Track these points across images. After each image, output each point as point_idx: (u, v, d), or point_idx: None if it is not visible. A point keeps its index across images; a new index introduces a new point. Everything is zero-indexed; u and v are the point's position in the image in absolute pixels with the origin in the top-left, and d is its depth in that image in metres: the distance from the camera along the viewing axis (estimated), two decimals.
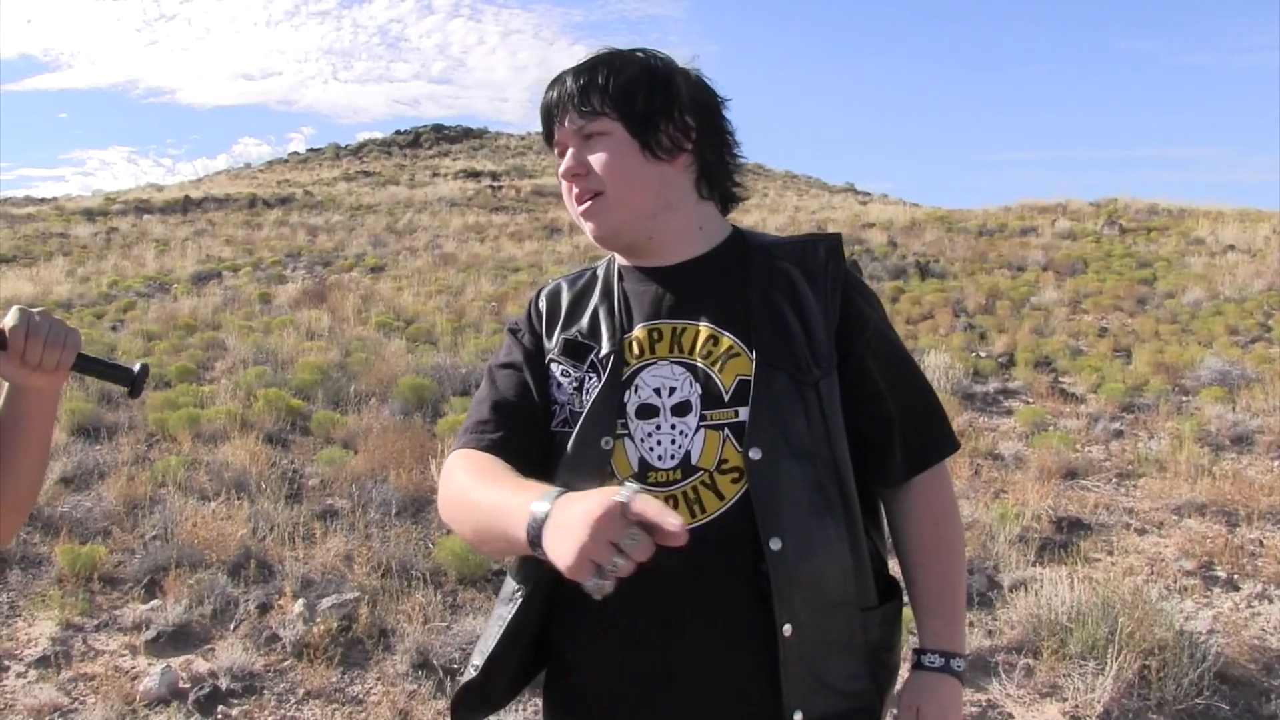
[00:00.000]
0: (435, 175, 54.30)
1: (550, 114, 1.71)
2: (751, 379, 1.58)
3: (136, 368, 1.64)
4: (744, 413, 1.57)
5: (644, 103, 1.64)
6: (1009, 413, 9.63)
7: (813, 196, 43.90)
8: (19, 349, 1.49)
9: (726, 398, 1.58)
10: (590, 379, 1.67)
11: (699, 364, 1.61)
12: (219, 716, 4.40)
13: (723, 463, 1.56)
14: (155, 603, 5.35)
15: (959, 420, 8.82)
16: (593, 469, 1.59)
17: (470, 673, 1.68)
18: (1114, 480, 7.59)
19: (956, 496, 1.83)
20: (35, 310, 1.52)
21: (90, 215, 39.59)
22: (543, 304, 1.82)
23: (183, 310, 16.22)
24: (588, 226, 1.69)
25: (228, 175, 77.21)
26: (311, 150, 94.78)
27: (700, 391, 1.60)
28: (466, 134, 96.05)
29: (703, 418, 1.59)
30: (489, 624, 1.70)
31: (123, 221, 37.10)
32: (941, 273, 17.62)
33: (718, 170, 1.74)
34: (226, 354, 12.17)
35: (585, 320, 1.73)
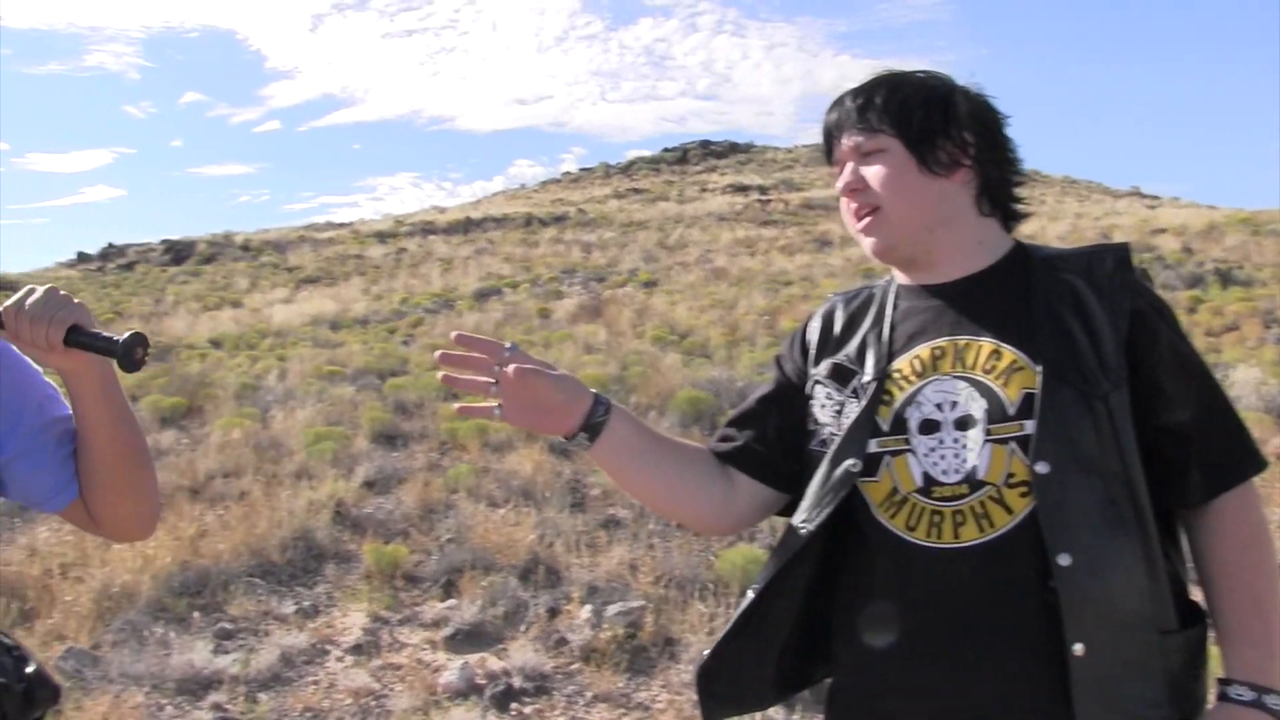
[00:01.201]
0: (703, 190, 54.99)
1: (830, 133, 1.75)
2: (1037, 392, 1.55)
3: (123, 338, 1.52)
4: (1030, 426, 1.54)
5: (921, 119, 1.66)
6: None
7: (1094, 202, 41.90)
8: (14, 327, 1.49)
9: (1012, 411, 1.56)
10: (850, 404, 1.69)
11: (982, 378, 1.60)
12: (513, 713, 4.60)
13: (1010, 477, 1.54)
14: (452, 602, 5.65)
15: (1276, 441, 8.15)
16: (838, 489, 1.64)
17: (700, 659, 1.76)
18: None
19: (1271, 520, 1.70)
20: (40, 288, 1.51)
21: (382, 237, 42.17)
22: (813, 328, 1.86)
23: (467, 325, 17.02)
24: (865, 241, 1.72)
25: (504, 196, 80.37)
26: (583, 169, 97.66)
27: (985, 406, 1.58)
28: (733, 149, 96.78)
29: (988, 432, 1.56)
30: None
31: (410, 242, 39.34)
32: (1247, 280, 16.36)
33: (998, 186, 1.73)
34: None
35: (854, 345, 1.75)
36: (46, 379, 1.66)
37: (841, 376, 1.73)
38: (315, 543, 6.54)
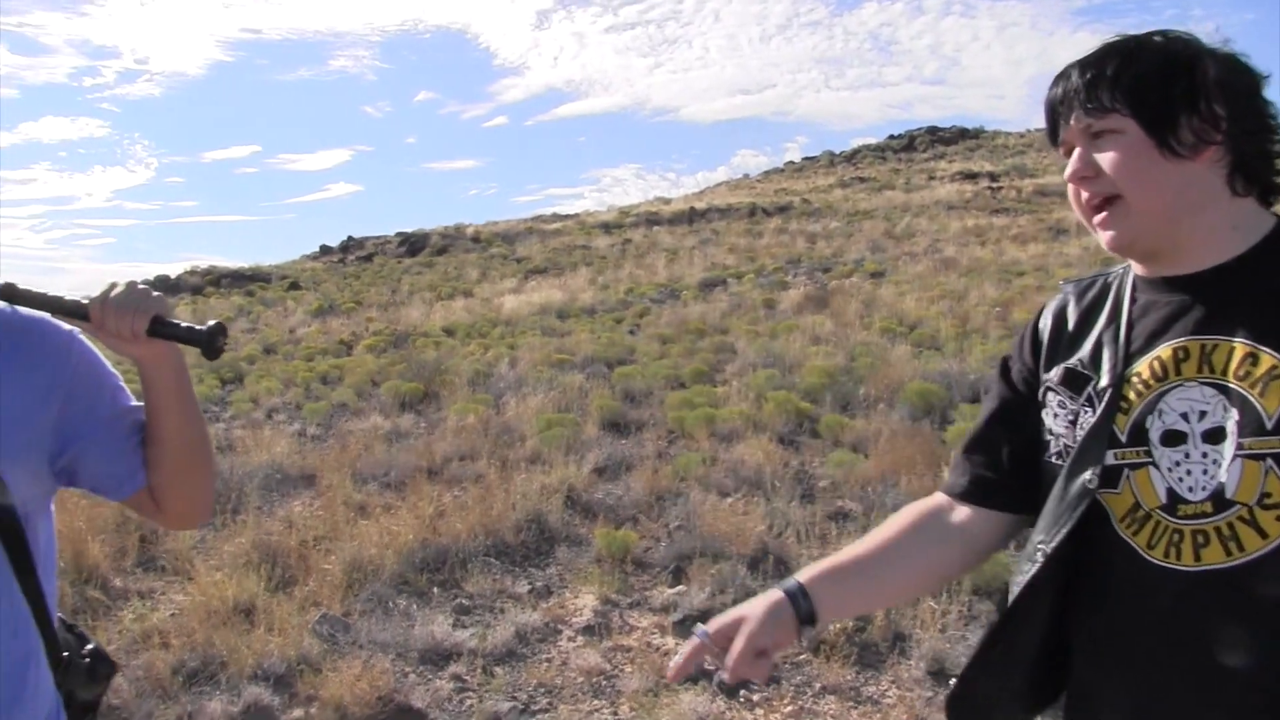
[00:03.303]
0: (931, 178, 53.77)
1: (1055, 112, 1.56)
2: None
3: (206, 327, 1.60)
4: None
5: (1161, 95, 1.45)
6: None
7: None
8: (99, 319, 1.54)
9: (1270, 424, 1.36)
10: (1085, 412, 1.54)
11: (1234, 385, 1.41)
12: (741, 700, 4.61)
13: (1265, 497, 1.36)
14: (680, 588, 5.72)
15: None
16: (1075, 505, 1.51)
17: (950, 688, 1.68)
18: None
19: None
20: (123, 281, 1.57)
21: (607, 228, 42.96)
22: (1044, 326, 1.70)
23: (692, 315, 17.14)
24: (1101, 236, 1.53)
25: (727, 186, 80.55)
26: (806, 159, 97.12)
27: (1237, 417, 1.39)
28: (962, 135, 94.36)
29: (1240, 446, 1.37)
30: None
31: (635, 233, 39.90)
32: None
33: (1256, 161, 1.50)
34: (736, 357, 12.74)
35: (1088, 347, 1.59)
36: (113, 370, 1.70)
37: (1074, 383, 1.58)
38: (547, 526, 6.72)
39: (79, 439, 1.62)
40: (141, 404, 1.69)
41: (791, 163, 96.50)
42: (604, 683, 4.82)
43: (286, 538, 6.40)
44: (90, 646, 1.75)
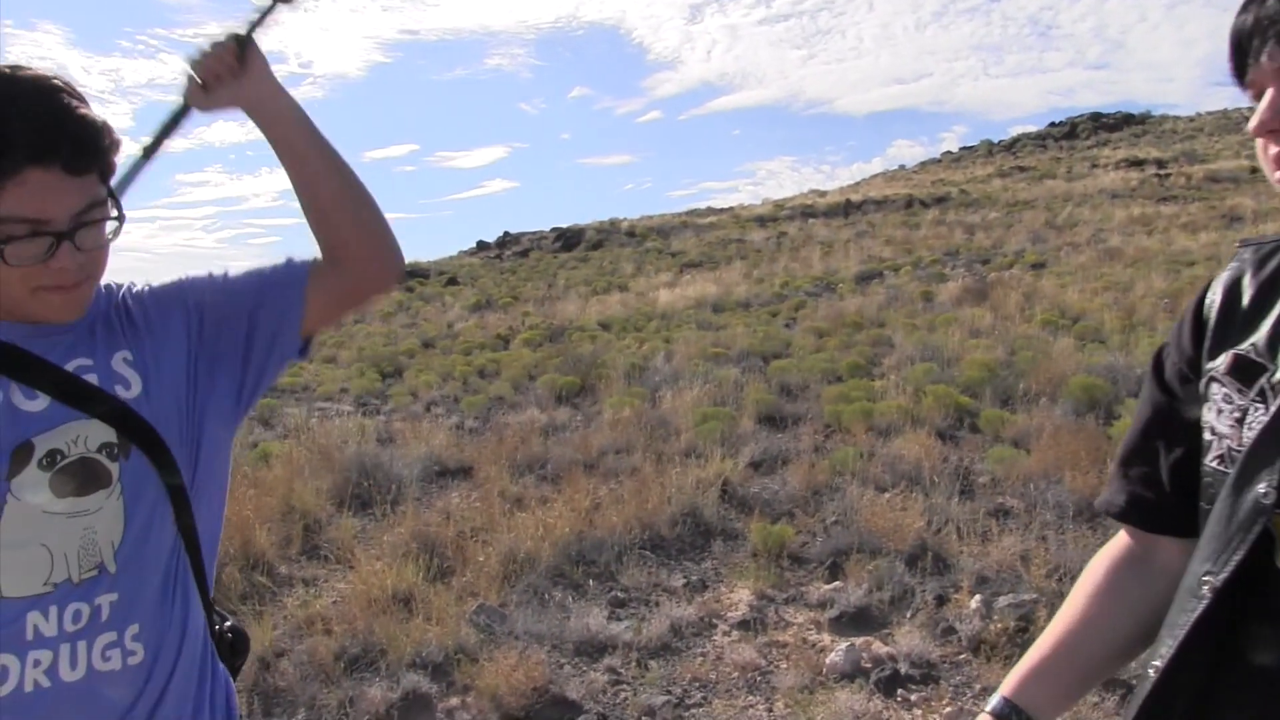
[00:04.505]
0: (1094, 166, 52.11)
1: (1242, 45, 1.22)
2: None
3: None
4: None
5: None
6: None
7: None
8: (201, 69, 1.57)
9: None
10: (1256, 409, 1.22)
11: None
12: (899, 699, 4.53)
13: None
14: (837, 584, 5.65)
15: None
16: (1246, 526, 1.18)
17: None
18: None
19: None
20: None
21: (762, 222, 42.86)
22: (1211, 303, 1.37)
23: (849, 309, 16.94)
24: None
25: (883, 178, 79.61)
26: (964, 148, 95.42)
27: None
28: (1127, 120, 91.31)
29: None
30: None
31: (790, 226, 39.73)
32: None
33: None
34: (893, 351, 12.57)
35: (1265, 328, 1.26)
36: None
37: (1245, 373, 1.26)
38: (703, 519, 6.71)
39: (241, 323, 1.63)
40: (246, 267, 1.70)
41: (949, 153, 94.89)
42: (759, 678, 4.79)
43: (444, 529, 6.53)
44: (229, 623, 1.83)
